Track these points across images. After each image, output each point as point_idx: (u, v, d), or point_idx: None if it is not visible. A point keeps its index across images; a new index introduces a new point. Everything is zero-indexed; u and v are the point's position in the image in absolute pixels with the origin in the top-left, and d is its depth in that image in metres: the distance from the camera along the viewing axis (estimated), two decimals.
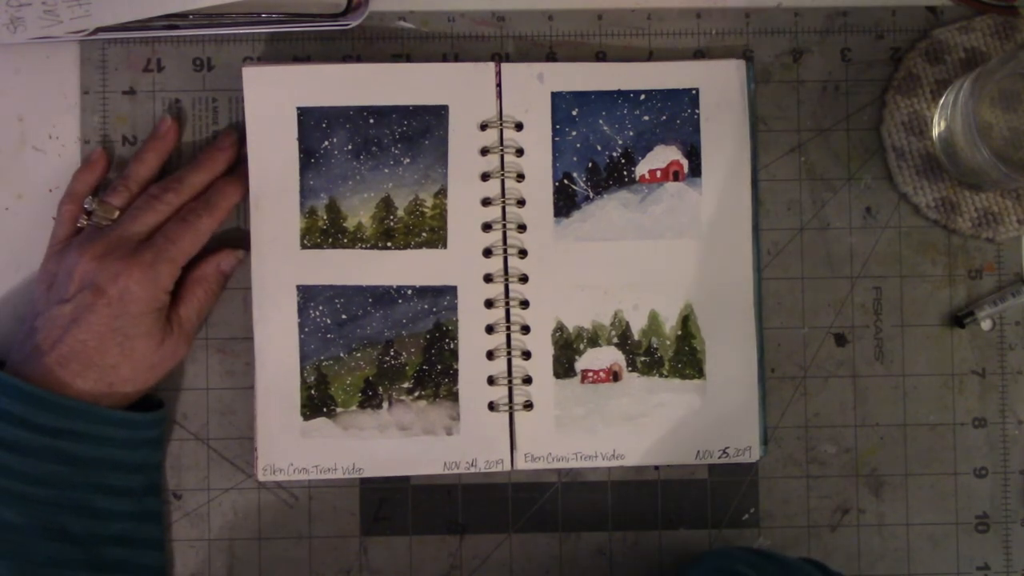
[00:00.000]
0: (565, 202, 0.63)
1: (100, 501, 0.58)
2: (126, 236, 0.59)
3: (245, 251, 0.63)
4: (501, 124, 0.63)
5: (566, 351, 0.63)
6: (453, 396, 0.63)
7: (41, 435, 0.56)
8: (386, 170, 0.63)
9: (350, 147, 0.62)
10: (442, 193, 0.63)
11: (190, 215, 0.61)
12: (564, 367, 0.63)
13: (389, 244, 0.63)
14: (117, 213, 0.61)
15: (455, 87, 0.63)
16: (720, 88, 0.64)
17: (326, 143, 0.62)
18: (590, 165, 0.64)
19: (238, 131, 0.63)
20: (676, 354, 0.63)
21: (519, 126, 0.63)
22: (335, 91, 0.62)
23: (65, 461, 0.57)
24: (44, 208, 0.64)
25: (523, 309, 0.63)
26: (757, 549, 0.62)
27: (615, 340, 0.63)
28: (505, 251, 0.63)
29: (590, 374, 0.63)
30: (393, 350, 0.63)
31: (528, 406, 0.63)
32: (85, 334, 0.58)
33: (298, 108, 0.62)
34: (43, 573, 0.56)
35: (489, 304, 0.63)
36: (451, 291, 0.63)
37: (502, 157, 0.63)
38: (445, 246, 0.63)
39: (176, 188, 0.61)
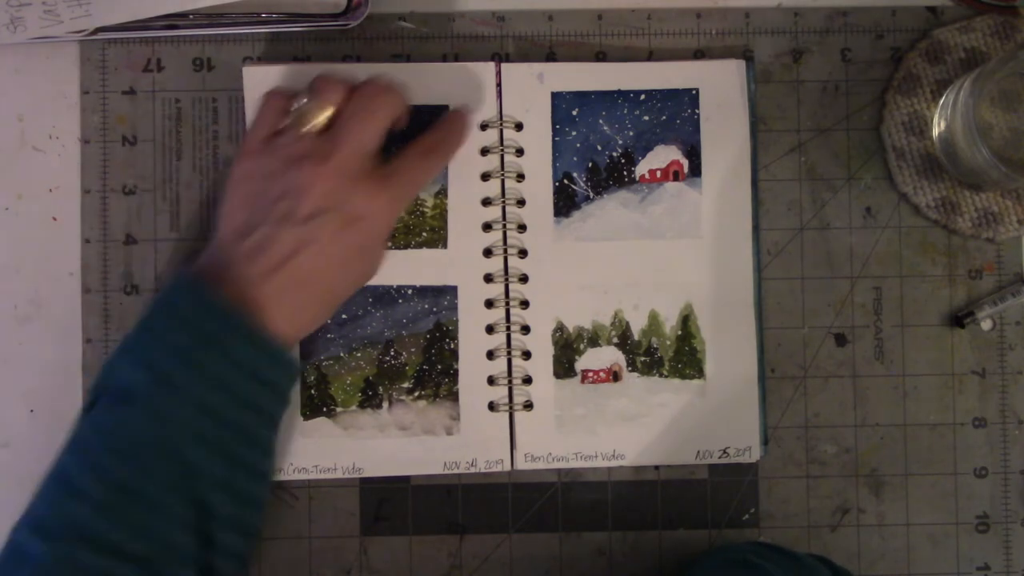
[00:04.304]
0: (565, 202, 0.63)
1: (247, 453, 0.55)
2: (361, 152, 0.55)
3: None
4: (501, 124, 0.63)
5: (566, 351, 0.63)
6: (453, 396, 0.63)
7: (253, 383, 0.53)
8: None
9: None
10: (442, 193, 0.63)
11: (435, 150, 0.59)
12: (564, 367, 0.63)
13: (389, 244, 0.63)
14: (331, 111, 0.56)
15: (455, 87, 0.63)
16: (720, 88, 0.64)
17: None
18: (590, 165, 0.64)
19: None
20: (676, 354, 0.63)
21: (519, 126, 0.63)
22: None
23: (254, 410, 0.54)
24: (44, 208, 0.64)
25: (523, 309, 0.63)
26: (764, 543, 0.62)
27: (615, 340, 0.63)
28: (505, 251, 0.63)
29: (590, 374, 0.63)
30: (393, 350, 0.63)
31: (528, 406, 0.63)
32: (322, 257, 0.54)
33: None
34: (215, 524, 0.52)
35: (489, 304, 0.63)
36: (451, 291, 0.63)
37: (502, 157, 0.63)
38: (445, 246, 0.63)
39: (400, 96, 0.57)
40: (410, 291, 0.63)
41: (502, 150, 0.63)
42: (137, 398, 0.51)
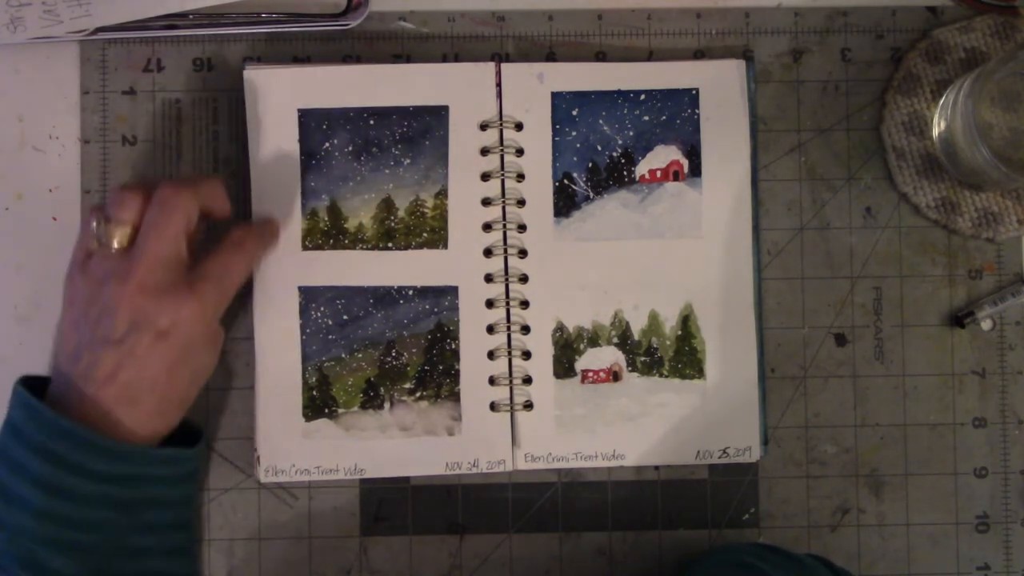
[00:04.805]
0: (565, 202, 0.63)
1: (139, 540, 0.56)
2: (160, 263, 0.55)
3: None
4: (501, 124, 0.63)
5: (566, 351, 0.63)
6: (454, 396, 0.63)
7: (96, 482, 0.54)
8: (387, 171, 0.63)
9: (351, 148, 0.62)
10: (443, 193, 0.63)
11: (246, 243, 0.59)
12: (564, 367, 0.63)
13: (390, 245, 0.63)
14: (129, 231, 0.56)
15: (455, 87, 0.63)
16: (720, 88, 0.64)
17: (327, 144, 0.62)
18: (590, 165, 0.64)
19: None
20: (676, 354, 0.63)
21: (519, 126, 0.63)
22: (336, 92, 0.62)
23: (114, 506, 0.54)
24: (44, 208, 0.64)
25: (523, 309, 0.63)
26: (764, 544, 0.62)
27: (615, 340, 0.63)
28: (505, 251, 0.63)
29: (590, 374, 0.63)
30: (394, 351, 0.63)
31: (528, 406, 0.63)
32: (144, 372, 0.55)
33: (299, 110, 0.62)
34: None
35: (490, 304, 0.63)
36: (452, 291, 0.63)
37: (502, 157, 0.63)
38: (446, 246, 0.63)
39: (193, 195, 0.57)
40: (411, 292, 0.63)
41: (502, 150, 0.63)
42: None
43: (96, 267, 0.56)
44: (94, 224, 0.56)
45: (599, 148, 0.64)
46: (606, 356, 0.63)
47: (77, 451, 0.53)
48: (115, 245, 0.56)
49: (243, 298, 0.63)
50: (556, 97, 0.63)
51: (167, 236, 0.55)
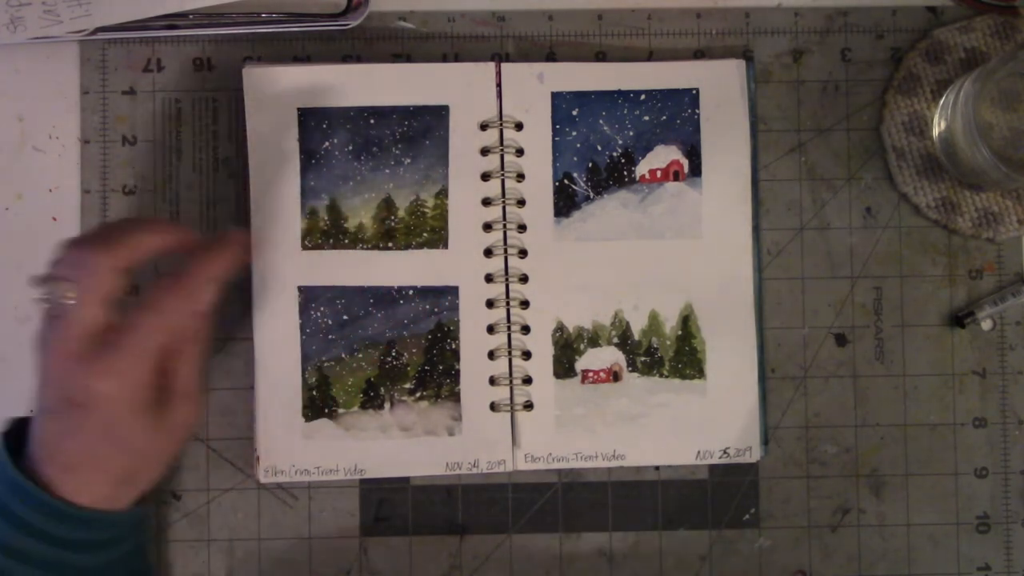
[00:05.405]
0: (565, 202, 0.63)
1: None
2: (84, 326, 0.51)
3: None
4: (501, 124, 0.63)
5: (566, 351, 0.63)
6: (455, 396, 0.63)
7: (58, 547, 0.51)
8: (387, 170, 0.63)
9: (351, 148, 0.62)
10: (443, 193, 0.63)
11: (160, 303, 0.53)
12: (564, 367, 0.63)
13: (390, 244, 0.63)
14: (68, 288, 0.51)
15: (455, 87, 0.63)
16: (720, 88, 0.64)
17: (327, 144, 0.62)
18: (590, 165, 0.64)
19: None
20: (676, 354, 0.63)
21: (519, 126, 0.63)
22: (335, 92, 0.62)
23: (72, 570, 0.52)
24: (44, 208, 0.64)
25: (523, 309, 0.63)
26: None
27: (615, 340, 0.63)
28: (506, 251, 0.63)
29: (590, 374, 0.63)
30: (395, 351, 0.63)
31: (528, 406, 0.63)
32: (78, 444, 0.51)
33: (299, 109, 0.62)
34: None
35: (490, 304, 0.63)
36: (452, 291, 0.63)
37: (502, 157, 0.63)
38: (446, 246, 0.63)
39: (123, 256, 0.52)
40: (411, 292, 0.63)
41: (502, 150, 0.63)
42: None
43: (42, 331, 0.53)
44: (43, 285, 0.52)
45: (599, 148, 0.64)
46: (606, 356, 0.63)
47: (33, 512, 0.51)
48: (58, 304, 0.51)
49: (243, 298, 0.63)
50: (556, 97, 0.63)
51: (81, 301, 0.51)
